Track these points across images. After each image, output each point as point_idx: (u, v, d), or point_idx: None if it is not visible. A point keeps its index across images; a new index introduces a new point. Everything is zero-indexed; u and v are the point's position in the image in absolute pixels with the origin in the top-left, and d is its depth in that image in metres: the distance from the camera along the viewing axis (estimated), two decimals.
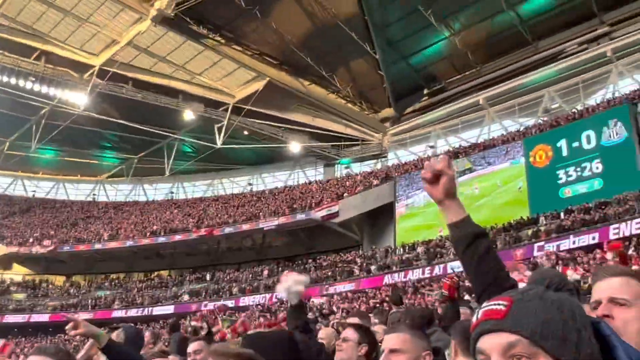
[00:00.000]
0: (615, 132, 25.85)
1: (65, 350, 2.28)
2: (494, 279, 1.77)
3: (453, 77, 39.05)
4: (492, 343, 0.98)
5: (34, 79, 37.84)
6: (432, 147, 39.91)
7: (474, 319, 1.04)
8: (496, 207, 29.44)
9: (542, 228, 24.75)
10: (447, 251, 27.28)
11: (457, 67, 38.41)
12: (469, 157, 32.67)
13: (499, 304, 1.00)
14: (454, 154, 34.69)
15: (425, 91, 40.62)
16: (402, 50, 37.71)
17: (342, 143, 44.44)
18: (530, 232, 25.05)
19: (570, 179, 27.07)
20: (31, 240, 43.31)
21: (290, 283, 3.42)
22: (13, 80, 37.27)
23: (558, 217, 25.08)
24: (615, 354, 0.98)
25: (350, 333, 2.94)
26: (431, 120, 40.13)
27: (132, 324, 3.72)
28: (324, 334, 4.30)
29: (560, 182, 27.37)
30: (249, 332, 4.84)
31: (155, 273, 43.49)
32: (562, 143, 27.80)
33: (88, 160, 52.82)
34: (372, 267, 30.39)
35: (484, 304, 1.04)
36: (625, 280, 1.48)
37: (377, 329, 4.46)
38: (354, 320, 4.70)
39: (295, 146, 44.29)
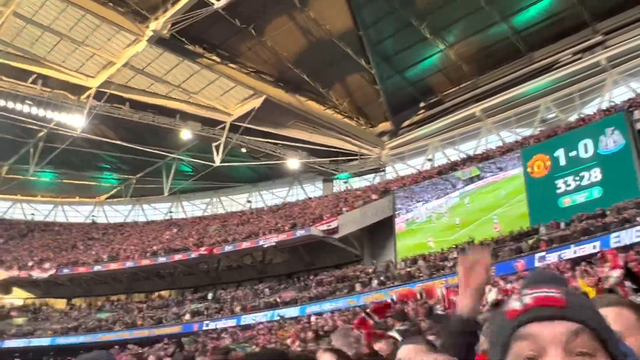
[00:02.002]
0: (613, 140, 25.89)
1: None
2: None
3: (449, 89, 39.22)
4: (552, 331, 0.89)
5: (30, 103, 37.87)
6: (430, 160, 39.95)
7: (515, 306, 0.95)
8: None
9: (543, 238, 24.69)
10: (448, 263, 27.24)
11: (452, 79, 38.59)
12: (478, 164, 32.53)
13: (551, 291, 0.93)
14: (452, 166, 34.76)
15: (422, 104, 40.79)
16: (397, 65, 37.91)
17: (340, 158, 44.50)
18: (530, 242, 24.99)
19: (569, 188, 27.07)
20: (31, 264, 43.09)
21: None
22: (10, 104, 37.30)
23: (558, 227, 25.05)
24: None
25: (327, 358, 2.92)
26: (428, 133, 40.22)
27: (104, 351, 3.65)
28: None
29: (559, 191, 27.36)
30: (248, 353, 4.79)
31: (156, 294, 43.26)
32: (560, 152, 27.84)
33: (86, 182, 52.82)
34: (374, 282, 30.27)
35: (529, 290, 0.95)
36: (617, 310, 1.44)
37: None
38: (336, 339, 4.64)
39: (293, 162, 44.32)
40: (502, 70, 36.48)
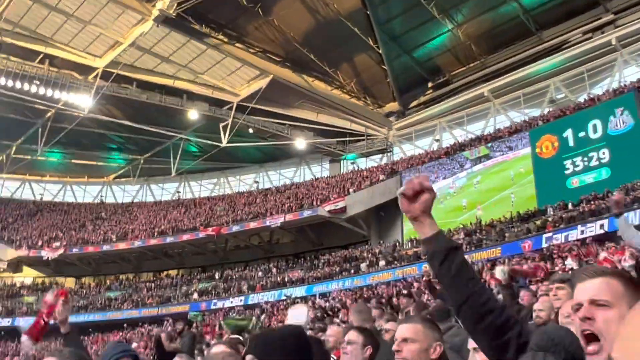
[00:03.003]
0: (622, 121, 25.70)
1: (80, 355, 2.33)
2: (471, 292, 1.81)
3: (457, 69, 38.92)
4: None
5: (38, 83, 37.89)
6: (437, 140, 39.81)
7: None
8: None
9: (550, 219, 24.67)
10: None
11: (460, 59, 38.27)
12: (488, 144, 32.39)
13: None
14: (460, 147, 34.64)
15: (430, 84, 40.53)
16: (405, 44, 37.60)
17: (348, 139, 44.40)
18: (538, 222, 24.98)
19: (577, 168, 26.94)
20: (40, 243, 43.53)
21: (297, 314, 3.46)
22: (18, 84, 37.29)
23: (566, 208, 25.00)
24: None
25: (354, 335, 2.94)
26: (436, 114, 40.02)
27: (122, 342, 3.79)
28: (332, 332, 4.29)
29: (567, 172, 27.24)
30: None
31: (165, 273, 43.65)
32: (569, 133, 27.66)
33: (94, 162, 53.03)
34: (381, 262, 30.40)
35: None
36: (605, 280, 1.46)
37: (390, 326, 4.43)
38: (354, 313, 4.71)
39: (300, 143, 44.27)
40: (511, 49, 36.12)
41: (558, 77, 34.52)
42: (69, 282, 45.29)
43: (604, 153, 26.01)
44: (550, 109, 33.16)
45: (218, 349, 2.72)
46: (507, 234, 25.69)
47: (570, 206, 24.91)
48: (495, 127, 36.07)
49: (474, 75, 37.88)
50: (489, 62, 37.17)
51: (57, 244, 42.90)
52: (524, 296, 6.13)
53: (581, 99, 31.74)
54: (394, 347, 2.33)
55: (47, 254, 42.38)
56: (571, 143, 27.48)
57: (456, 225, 29.96)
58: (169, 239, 40.38)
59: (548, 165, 28.11)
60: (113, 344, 3.51)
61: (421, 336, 2.30)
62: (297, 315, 3.76)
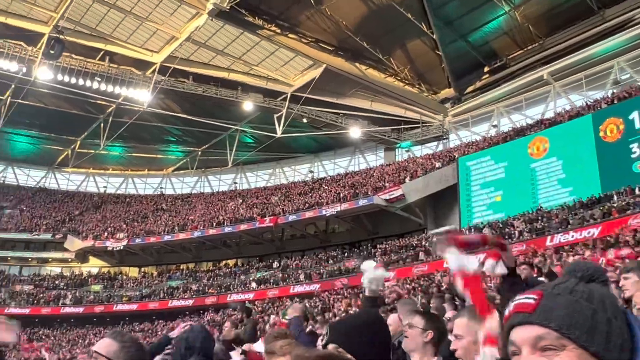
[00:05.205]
0: None
1: (134, 338, 2.38)
2: None
3: (514, 52, 37.80)
4: (522, 336, 1.04)
5: (99, 79, 39.19)
6: (495, 126, 38.91)
7: (506, 312, 1.10)
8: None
9: (615, 205, 23.74)
10: (514, 231, 26.70)
11: (518, 42, 37.15)
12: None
13: (529, 298, 1.06)
14: (518, 132, 33.73)
15: (486, 69, 39.54)
16: (460, 28, 36.78)
17: (402, 126, 43.96)
18: (603, 209, 24.07)
19: None
20: (105, 234, 45.16)
21: (374, 275, 3.42)
22: (81, 81, 38.73)
23: (632, 193, 24.02)
24: (636, 343, 1.01)
25: (416, 319, 2.94)
26: (493, 99, 39.08)
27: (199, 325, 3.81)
28: (390, 320, 4.28)
29: (633, 156, 26.13)
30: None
31: (223, 262, 44.54)
32: (635, 115, 26.50)
33: (154, 155, 54.53)
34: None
35: (516, 297, 1.09)
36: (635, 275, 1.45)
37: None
38: (400, 306, 4.67)
39: (355, 132, 44.14)
40: (571, 30, 34.75)
41: (622, 57, 33.07)
42: (133, 272, 46.88)
43: None
44: (615, 91, 31.82)
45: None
46: (571, 221, 24.90)
47: (637, 191, 23.91)
48: (555, 112, 34.93)
49: (533, 58, 36.70)
50: (548, 43, 35.92)
51: (121, 234, 44.43)
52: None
53: None
54: (452, 346, 2.37)
55: (111, 244, 43.99)
56: (638, 125, 26.33)
57: (515, 212, 29.26)
58: (227, 229, 41.13)
59: (612, 149, 27.02)
60: (199, 328, 3.60)
61: (467, 329, 2.32)
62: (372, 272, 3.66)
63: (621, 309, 1.05)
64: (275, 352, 2.33)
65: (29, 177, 56.13)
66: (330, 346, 2.16)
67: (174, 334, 4.48)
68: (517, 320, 1.05)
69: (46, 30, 36.98)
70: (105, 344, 2.26)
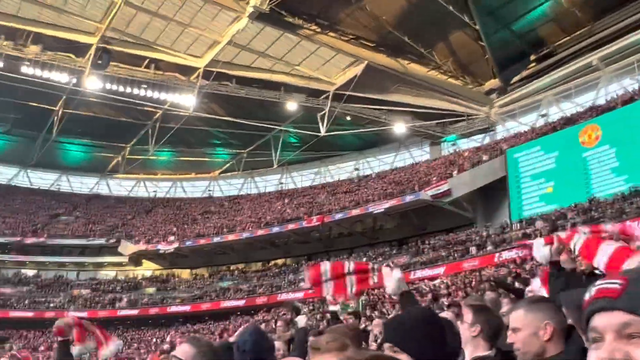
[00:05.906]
0: None
1: (210, 344, 2.60)
2: None
3: (561, 39, 36.70)
4: (606, 322, 0.99)
5: (146, 86, 40.13)
6: (544, 115, 37.90)
7: (586, 296, 1.05)
8: None
9: None
10: (567, 223, 25.95)
11: (564, 28, 36.05)
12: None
13: (614, 283, 1.01)
14: (568, 121, 32.79)
15: (532, 57, 38.52)
16: (503, 18, 35.95)
17: (447, 120, 43.32)
18: None
19: None
20: (156, 237, 46.19)
21: (396, 278, 3.36)
22: (128, 89, 39.81)
23: None
24: None
25: (465, 314, 2.93)
26: (541, 88, 38.06)
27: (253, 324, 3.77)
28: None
29: None
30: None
31: (272, 262, 44.90)
32: None
33: (201, 159, 55.45)
34: (489, 245, 29.51)
35: (599, 282, 1.05)
36: None
37: None
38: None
39: (399, 127, 43.77)
40: (621, 13, 33.43)
41: None
42: (185, 274, 47.80)
43: None
44: None
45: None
46: (627, 210, 24.04)
47: None
48: (607, 98, 33.75)
49: (581, 44, 35.51)
50: (596, 28, 34.70)
51: (172, 237, 45.35)
52: None
53: None
54: (508, 340, 2.29)
55: (163, 247, 44.96)
56: None
57: (569, 203, 28.46)
58: (275, 229, 41.45)
59: None
60: (249, 331, 3.61)
61: (524, 322, 2.24)
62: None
63: None
64: (319, 349, 2.25)
65: (82, 184, 57.87)
66: (386, 345, 2.12)
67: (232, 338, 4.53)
68: (599, 305, 1.01)
69: (93, 41, 38.01)
70: (183, 350, 2.45)
